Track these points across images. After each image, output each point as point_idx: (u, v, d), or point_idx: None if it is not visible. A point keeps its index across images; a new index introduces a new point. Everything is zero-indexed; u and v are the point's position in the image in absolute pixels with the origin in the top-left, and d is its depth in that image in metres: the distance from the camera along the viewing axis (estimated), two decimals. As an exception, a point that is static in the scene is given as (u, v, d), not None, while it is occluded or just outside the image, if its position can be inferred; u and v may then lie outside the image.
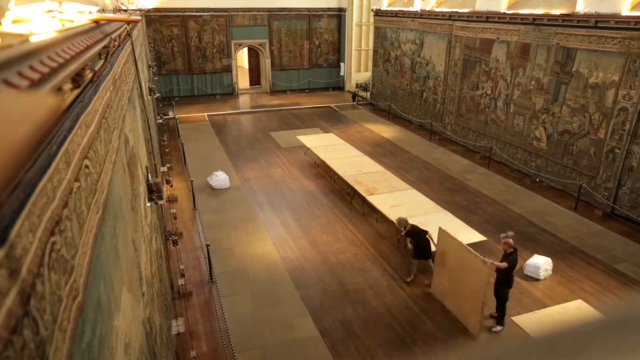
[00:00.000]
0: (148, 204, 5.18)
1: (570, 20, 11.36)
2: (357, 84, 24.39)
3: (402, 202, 10.01)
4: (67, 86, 1.77)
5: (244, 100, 23.55)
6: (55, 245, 1.30)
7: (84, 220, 1.80)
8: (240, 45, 24.07)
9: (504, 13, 13.48)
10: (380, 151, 15.56)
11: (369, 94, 23.17)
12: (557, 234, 9.98)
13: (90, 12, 4.06)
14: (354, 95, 23.37)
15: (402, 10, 18.88)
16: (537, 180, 12.78)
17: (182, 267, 8.57)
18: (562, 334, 0.34)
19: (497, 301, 7.04)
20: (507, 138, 14.02)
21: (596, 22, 10.66)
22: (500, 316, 7.05)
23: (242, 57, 29.34)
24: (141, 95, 7.86)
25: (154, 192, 5.19)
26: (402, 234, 8.50)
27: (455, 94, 16.32)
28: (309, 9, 24.10)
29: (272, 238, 9.92)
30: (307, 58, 25.01)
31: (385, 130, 18.24)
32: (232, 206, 11.44)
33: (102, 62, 3.01)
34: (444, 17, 16.33)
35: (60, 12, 2.82)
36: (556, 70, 11.98)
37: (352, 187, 11.20)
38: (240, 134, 17.94)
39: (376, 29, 21.54)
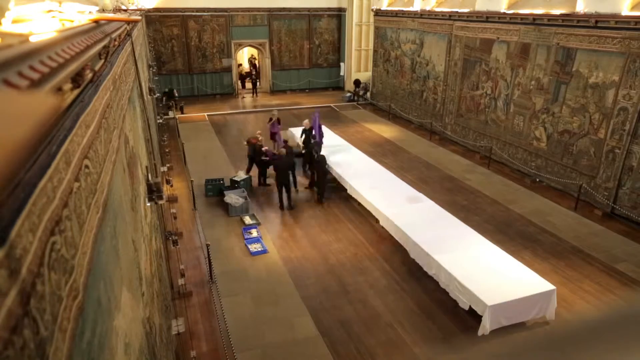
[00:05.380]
0: (148, 204, 5.18)
1: (570, 20, 11.35)
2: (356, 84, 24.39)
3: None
4: (67, 86, 1.77)
5: (244, 100, 23.55)
6: (55, 245, 1.30)
7: (84, 220, 1.80)
8: (240, 45, 24.07)
9: (504, 13, 13.48)
10: (380, 151, 15.55)
11: (369, 93, 23.17)
12: (557, 234, 9.98)
13: (90, 12, 4.06)
14: (356, 87, 23.46)
15: (402, 10, 18.88)
16: (537, 180, 12.78)
17: (182, 267, 8.57)
18: (562, 335, 0.34)
19: None
20: (507, 138, 14.02)
21: (596, 22, 10.66)
22: None
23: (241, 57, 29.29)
24: (141, 95, 7.86)
25: (154, 192, 5.19)
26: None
27: (455, 94, 16.32)
28: (309, 9, 24.09)
29: (272, 238, 9.92)
30: (307, 58, 25.00)
31: (385, 130, 18.23)
32: (232, 206, 11.42)
33: (102, 62, 3.01)
34: (444, 17, 16.33)
35: (60, 12, 2.82)
36: (556, 70, 11.98)
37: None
38: (240, 134, 17.93)
39: (376, 29, 21.54)
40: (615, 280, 8.35)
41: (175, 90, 20.96)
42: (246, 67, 27.72)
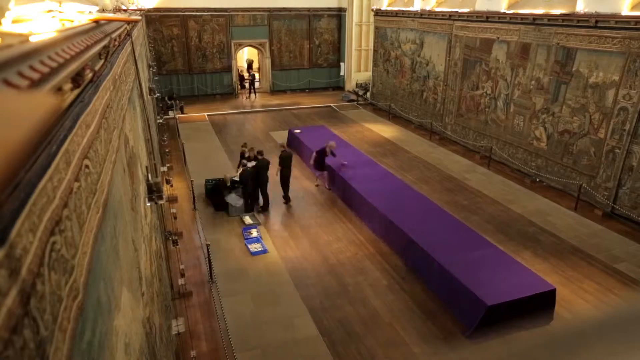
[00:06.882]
0: (148, 204, 5.18)
1: (570, 20, 11.35)
2: (357, 84, 24.41)
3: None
4: (67, 86, 1.77)
5: (244, 100, 23.57)
6: (55, 245, 1.30)
7: (84, 220, 1.80)
8: (240, 45, 24.07)
9: (504, 13, 13.48)
10: (381, 151, 15.55)
11: (369, 93, 23.19)
12: (557, 234, 9.98)
13: (90, 12, 4.07)
14: (357, 94, 23.52)
15: (402, 10, 18.88)
16: (537, 180, 12.79)
17: (182, 267, 8.57)
18: (562, 335, 0.34)
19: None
20: (507, 138, 14.02)
21: (596, 22, 10.66)
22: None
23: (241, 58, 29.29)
24: (141, 95, 7.86)
25: (154, 192, 5.19)
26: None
27: (455, 93, 16.33)
28: (309, 9, 24.09)
29: (272, 238, 9.92)
30: (307, 58, 25.00)
31: (385, 130, 18.23)
32: (232, 206, 11.41)
33: (102, 62, 3.01)
34: (444, 16, 16.33)
35: (60, 12, 2.82)
36: (556, 70, 11.98)
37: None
38: (240, 134, 17.93)
39: (376, 28, 21.54)
40: (615, 280, 8.35)
41: (174, 94, 21.13)
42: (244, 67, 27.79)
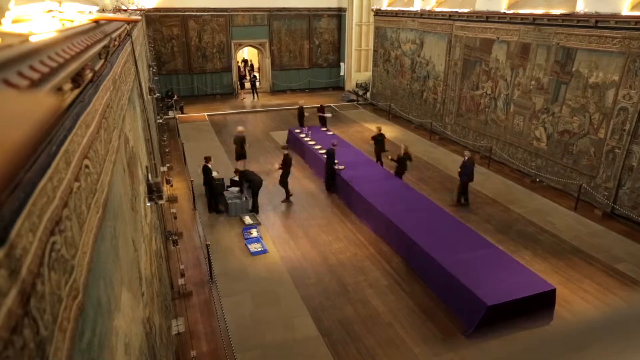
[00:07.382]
0: (148, 204, 5.18)
1: (570, 20, 11.35)
2: (357, 84, 24.40)
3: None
4: (67, 86, 1.77)
5: (244, 100, 23.54)
6: (55, 245, 1.30)
7: (84, 220, 1.80)
8: (240, 45, 24.07)
9: (504, 13, 13.48)
10: (380, 151, 15.52)
11: (369, 93, 23.19)
12: (557, 234, 9.98)
13: (90, 12, 4.07)
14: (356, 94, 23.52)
15: (402, 10, 18.88)
16: (537, 180, 12.78)
17: (182, 267, 8.56)
18: (562, 335, 0.34)
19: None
20: (507, 138, 14.02)
21: (596, 22, 10.66)
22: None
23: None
24: (141, 95, 7.86)
25: (154, 192, 5.19)
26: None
27: (455, 93, 16.32)
28: (309, 9, 24.09)
29: (272, 238, 9.92)
30: (307, 58, 25.00)
31: (385, 130, 18.08)
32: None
33: (102, 62, 3.01)
34: (444, 17, 16.33)
35: (60, 12, 2.82)
36: (556, 70, 11.98)
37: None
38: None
39: (376, 28, 21.54)
40: (615, 280, 8.35)
41: (173, 92, 21.08)
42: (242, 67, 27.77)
